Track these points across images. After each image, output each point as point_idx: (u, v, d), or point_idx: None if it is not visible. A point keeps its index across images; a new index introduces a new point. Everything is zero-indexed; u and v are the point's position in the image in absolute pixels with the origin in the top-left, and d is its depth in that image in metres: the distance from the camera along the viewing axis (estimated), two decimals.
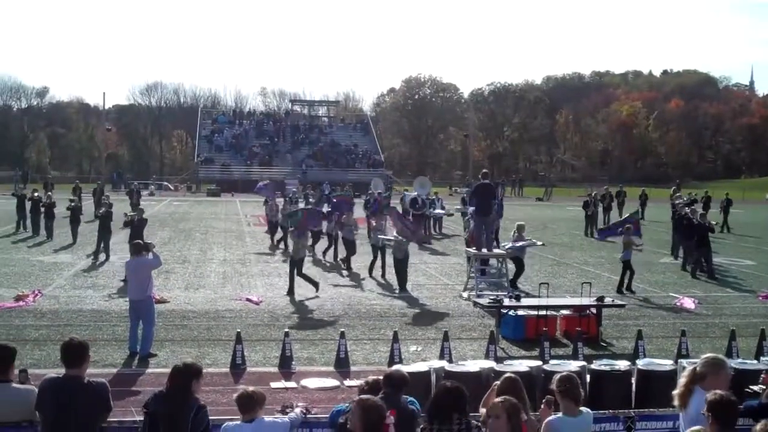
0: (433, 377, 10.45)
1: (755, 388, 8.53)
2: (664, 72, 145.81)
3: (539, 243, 23.54)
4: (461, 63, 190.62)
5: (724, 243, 35.15)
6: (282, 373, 13.32)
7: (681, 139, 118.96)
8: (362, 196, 42.26)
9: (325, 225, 27.17)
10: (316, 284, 20.74)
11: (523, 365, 10.96)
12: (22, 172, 76.63)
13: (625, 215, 29.19)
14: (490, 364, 11.36)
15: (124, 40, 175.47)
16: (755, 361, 11.67)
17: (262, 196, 35.37)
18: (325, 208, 28.97)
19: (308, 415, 7.64)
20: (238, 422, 6.93)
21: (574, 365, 10.92)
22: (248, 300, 19.41)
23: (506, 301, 16.08)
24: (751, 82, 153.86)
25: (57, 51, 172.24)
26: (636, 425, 9.12)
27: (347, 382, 12.61)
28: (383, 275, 23.29)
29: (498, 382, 7.11)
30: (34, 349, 14.34)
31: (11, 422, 7.09)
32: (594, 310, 16.35)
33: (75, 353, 6.90)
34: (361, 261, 24.96)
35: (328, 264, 26.16)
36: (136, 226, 24.16)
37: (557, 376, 7.05)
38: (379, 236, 23.42)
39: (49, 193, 35.85)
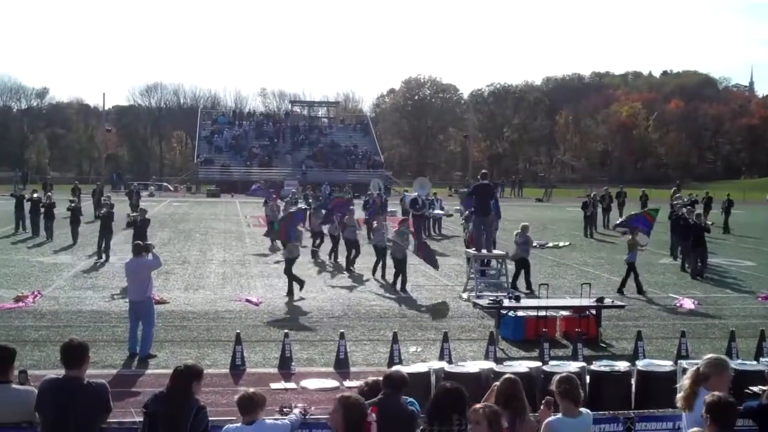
0: (433, 378, 10.46)
1: (755, 389, 8.53)
2: (664, 73, 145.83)
3: (566, 243, 23.56)
4: (461, 64, 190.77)
5: (724, 244, 35.18)
6: (282, 374, 13.33)
7: (681, 139, 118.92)
8: (361, 197, 42.24)
9: (326, 226, 27.23)
10: (301, 283, 20.60)
11: (522, 366, 10.98)
12: (22, 173, 76.59)
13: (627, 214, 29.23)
14: (489, 365, 11.37)
15: (124, 41, 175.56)
16: (755, 362, 11.69)
17: (259, 197, 35.40)
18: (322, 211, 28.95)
19: (307, 416, 7.64)
20: (239, 424, 6.94)
21: (573, 366, 10.93)
22: (248, 301, 19.42)
23: (506, 302, 16.10)
24: (751, 83, 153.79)
25: (57, 52, 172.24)
26: (636, 426, 9.12)
27: (347, 383, 12.60)
28: (383, 276, 23.29)
29: (497, 383, 7.11)
30: (33, 350, 14.35)
31: (11, 423, 7.09)
32: (593, 311, 16.36)
33: (75, 354, 6.91)
34: (362, 262, 24.98)
35: (330, 265, 26.14)
36: (139, 226, 24.18)
37: (557, 377, 7.05)
38: (387, 237, 23.36)
39: (49, 193, 35.86)
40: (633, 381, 11.03)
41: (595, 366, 11.20)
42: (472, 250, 21.14)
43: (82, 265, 25.03)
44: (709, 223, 27.38)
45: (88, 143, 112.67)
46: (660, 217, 25.15)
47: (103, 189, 46.93)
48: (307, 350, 14.96)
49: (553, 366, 11.05)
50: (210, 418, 7.09)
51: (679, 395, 6.86)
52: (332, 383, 12.78)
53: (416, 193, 38.37)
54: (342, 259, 25.87)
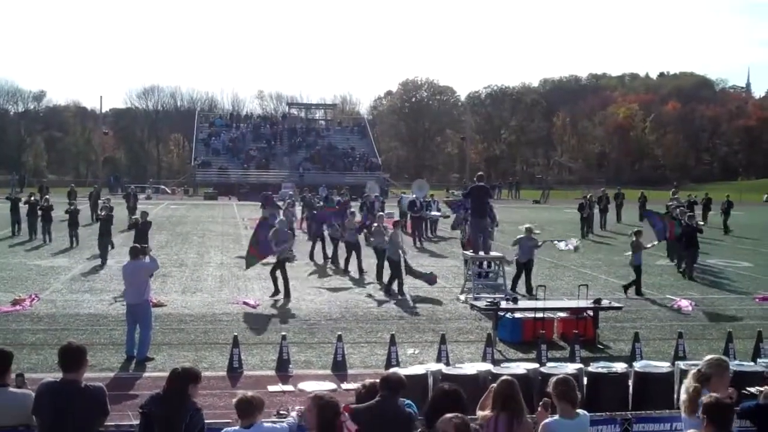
0: (431, 380, 10.46)
1: (752, 389, 8.55)
2: (661, 74, 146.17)
3: (576, 242, 23.54)
4: (458, 66, 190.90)
5: (721, 245, 35.22)
6: (279, 376, 13.33)
7: (678, 141, 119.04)
8: (358, 199, 42.25)
9: (328, 229, 27.23)
10: (277, 291, 20.44)
11: (520, 368, 10.98)
12: (19, 176, 76.61)
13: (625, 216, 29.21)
14: (487, 366, 11.38)
15: (121, 44, 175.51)
16: (752, 363, 11.70)
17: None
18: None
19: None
20: (237, 427, 6.93)
21: (571, 368, 10.93)
22: (245, 303, 19.41)
23: (503, 304, 16.11)
24: (748, 84, 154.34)
25: (54, 55, 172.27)
26: (633, 427, 9.13)
27: (344, 386, 12.60)
28: (379, 278, 23.25)
29: (495, 385, 7.12)
30: (31, 354, 14.34)
31: (8, 426, 7.09)
32: (591, 313, 16.37)
33: (73, 357, 6.91)
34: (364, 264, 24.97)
35: (332, 269, 26.11)
36: (141, 228, 24.16)
37: (553, 379, 7.07)
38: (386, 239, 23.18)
39: (47, 196, 35.84)
40: (630, 382, 11.02)
41: (593, 367, 11.21)
42: (469, 252, 21.15)
43: (79, 268, 25.02)
44: (701, 224, 27.38)
45: (85, 146, 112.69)
46: None
47: (100, 192, 46.86)
48: (304, 352, 14.96)
49: (550, 367, 11.05)
50: (208, 421, 7.09)
51: (683, 398, 6.86)
52: (330, 385, 12.72)
53: (414, 195, 38.42)
54: (342, 262, 25.84)
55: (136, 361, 14.04)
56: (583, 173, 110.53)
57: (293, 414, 7.48)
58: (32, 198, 33.67)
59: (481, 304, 16.74)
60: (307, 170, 77.55)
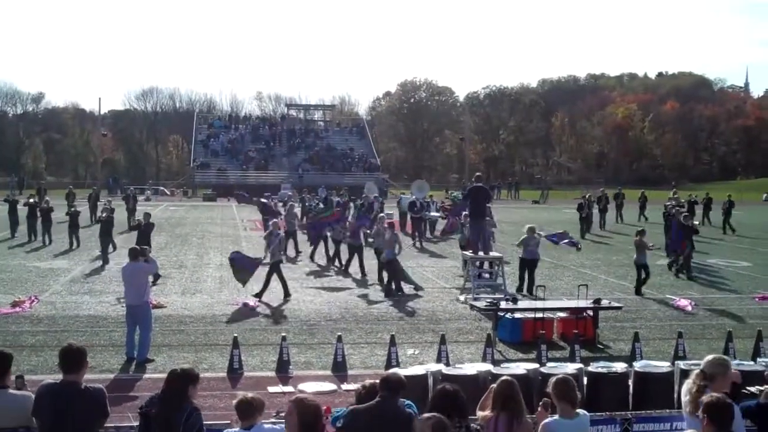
0: (431, 380, 10.46)
1: (752, 389, 8.55)
2: (659, 74, 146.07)
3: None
4: (456, 66, 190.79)
5: (721, 244, 35.21)
6: (279, 377, 13.33)
7: (676, 141, 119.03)
8: (357, 200, 42.22)
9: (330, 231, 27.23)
10: (262, 293, 20.32)
11: (520, 368, 10.98)
12: (18, 178, 76.54)
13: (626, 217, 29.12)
14: (487, 367, 11.38)
15: (120, 46, 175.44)
16: (752, 363, 11.70)
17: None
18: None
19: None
20: (237, 429, 6.93)
21: (571, 368, 10.94)
22: (245, 304, 19.41)
23: (503, 304, 16.12)
24: (746, 84, 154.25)
25: (52, 57, 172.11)
26: (633, 427, 9.15)
27: (345, 386, 12.62)
28: (380, 278, 23.26)
29: (494, 385, 7.12)
30: (30, 355, 14.34)
31: (8, 428, 7.09)
32: (591, 313, 16.38)
33: (73, 359, 6.90)
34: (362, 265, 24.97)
35: (334, 268, 26.10)
36: (144, 230, 24.15)
37: (553, 379, 7.07)
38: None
39: (47, 198, 35.84)
40: (630, 382, 11.03)
41: (593, 367, 11.22)
42: (468, 253, 21.16)
43: (79, 269, 25.01)
44: (696, 223, 27.40)
45: (84, 148, 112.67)
46: (656, 218, 25.51)
47: (99, 194, 46.82)
48: (304, 353, 14.96)
49: (550, 367, 11.06)
50: (208, 423, 7.09)
51: (686, 399, 6.85)
52: (330, 386, 12.77)
53: (414, 196, 38.43)
54: (344, 263, 25.85)
55: (136, 363, 14.04)
56: (582, 173, 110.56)
57: None
58: (31, 200, 33.66)
59: (481, 304, 16.74)
60: (306, 171, 77.57)
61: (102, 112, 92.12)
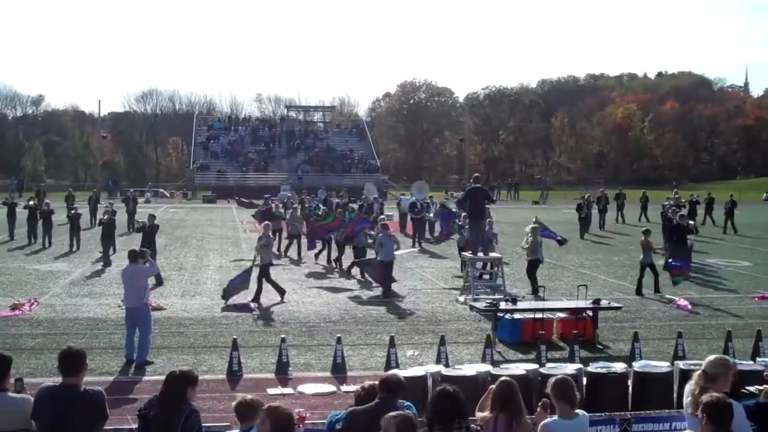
0: (430, 381, 10.46)
1: (752, 389, 8.55)
2: (659, 74, 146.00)
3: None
4: (456, 67, 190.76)
5: (721, 244, 35.23)
6: (279, 379, 13.33)
7: (676, 141, 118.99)
8: (357, 201, 42.23)
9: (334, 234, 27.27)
10: (258, 296, 20.24)
11: (519, 368, 10.99)
12: (18, 180, 76.55)
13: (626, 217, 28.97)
14: (486, 367, 11.39)
15: (120, 48, 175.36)
16: (751, 362, 11.70)
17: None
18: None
19: (304, 422, 7.64)
20: (236, 431, 6.93)
21: (570, 368, 10.94)
22: (244, 306, 19.40)
23: (502, 305, 16.12)
24: (746, 84, 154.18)
25: (52, 59, 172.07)
26: (632, 427, 9.15)
27: (344, 388, 12.63)
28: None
29: (494, 386, 7.12)
30: (30, 358, 14.34)
31: (8, 431, 7.08)
32: (590, 313, 16.38)
33: (73, 362, 6.90)
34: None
35: (338, 271, 26.10)
36: (148, 232, 24.14)
37: (552, 380, 7.07)
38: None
39: (47, 200, 35.85)
40: (630, 382, 11.03)
41: (592, 367, 11.22)
42: (468, 254, 21.15)
43: (79, 272, 25.02)
44: (691, 223, 27.39)
45: (83, 150, 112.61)
46: (656, 218, 25.51)
47: (99, 196, 46.83)
48: (304, 355, 14.96)
49: (550, 368, 11.07)
50: (207, 425, 7.08)
51: (688, 400, 6.85)
52: (329, 388, 12.78)
53: (414, 197, 38.43)
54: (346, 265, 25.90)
55: (136, 365, 14.05)
56: (582, 173, 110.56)
57: None
58: (31, 202, 33.68)
59: (481, 305, 16.74)
60: (306, 172, 77.56)
61: (102, 115, 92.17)
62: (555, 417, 6.88)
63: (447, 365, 12.45)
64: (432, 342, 15.40)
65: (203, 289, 22.34)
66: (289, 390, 12.66)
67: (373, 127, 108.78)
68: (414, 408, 7.10)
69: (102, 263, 26.16)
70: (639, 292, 21.64)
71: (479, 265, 21.32)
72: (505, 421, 6.80)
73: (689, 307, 19.87)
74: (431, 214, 37.13)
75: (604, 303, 16.73)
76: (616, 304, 17.36)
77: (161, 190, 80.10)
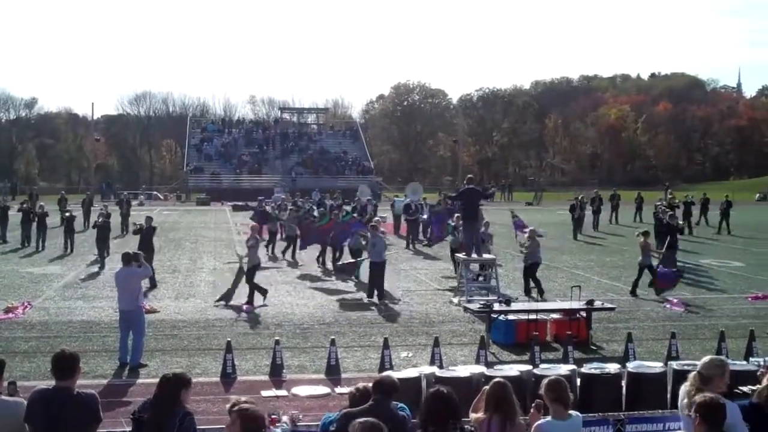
0: (424, 383, 10.46)
1: (745, 388, 8.57)
2: (652, 75, 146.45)
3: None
4: (450, 69, 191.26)
5: (714, 245, 35.30)
6: (273, 381, 13.30)
7: (669, 141, 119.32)
8: (350, 203, 42.24)
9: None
10: (264, 291, 20.34)
11: (513, 370, 10.99)
12: (11, 183, 76.39)
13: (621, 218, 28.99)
14: (480, 369, 11.39)
15: (113, 50, 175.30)
16: (744, 362, 11.72)
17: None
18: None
19: (298, 424, 7.63)
20: None
21: (564, 369, 10.95)
22: (238, 309, 19.39)
23: (496, 306, 16.12)
24: (739, 84, 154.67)
25: (45, 62, 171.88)
26: (626, 428, 9.16)
27: (338, 390, 12.61)
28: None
29: (487, 387, 7.13)
30: (23, 362, 14.30)
31: None
32: (584, 314, 16.39)
33: (66, 365, 6.89)
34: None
35: (335, 272, 26.10)
36: (145, 234, 24.10)
37: (545, 381, 7.07)
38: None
39: (41, 203, 35.80)
40: (623, 383, 11.04)
41: (586, 368, 11.22)
42: (461, 255, 21.14)
43: (72, 275, 24.97)
44: (681, 223, 27.44)
45: (77, 153, 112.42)
46: (648, 218, 25.58)
47: (92, 199, 46.75)
48: (298, 357, 14.95)
49: (543, 369, 11.06)
50: (202, 427, 7.07)
51: (684, 401, 6.86)
52: (323, 390, 12.78)
53: (409, 199, 38.46)
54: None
55: (130, 368, 14.02)
56: (576, 174, 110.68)
57: (285, 419, 7.47)
58: (24, 205, 33.61)
59: (474, 306, 16.75)
60: (300, 175, 77.51)
61: (95, 117, 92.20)
62: (548, 418, 6.88)
63: (441, 367, 12.44)
64: (426, 343, 15.39)
65: (197, 291, 22.31)
66: (283, 392, 12.65)
67: (366, 128, 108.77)
68: (408, 409, 7.11)
69: (97, 266, 26.12)
70: (634, 292, 21.65)
71: (473, 266, 21.32)
72: (498, 422, 6.80)
73: (683, 307, 19.91)
74: (425, 216, 37.15)
75: (597, 304, 16.74)
76: (609, 305, 17.38)
77: (155, 192, 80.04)
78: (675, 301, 20.44)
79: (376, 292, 20.98)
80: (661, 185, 70.57)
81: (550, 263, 27.70)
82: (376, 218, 26.92)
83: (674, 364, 11.29)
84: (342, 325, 17.93)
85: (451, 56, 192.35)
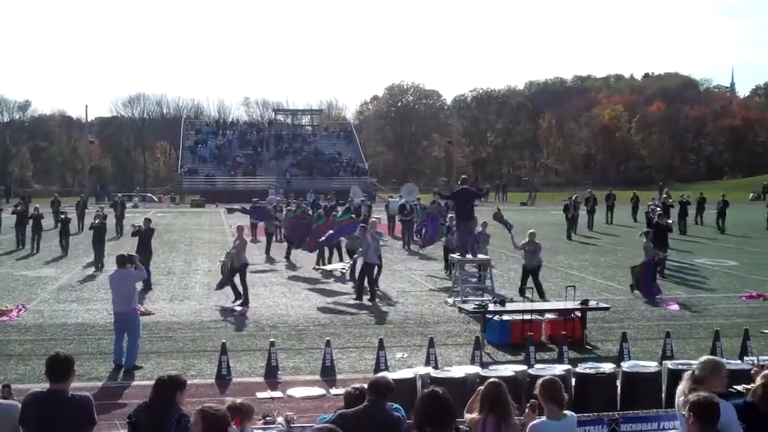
0: (419, 384, 10.46)
1: (739, 387, 8.59)
2: (646, 75, 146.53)
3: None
4: (444, 70, 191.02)
5: (708, 244, 35.36)
6: (268, 382, 13.30)
7: (663, 141, 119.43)
8: (344, 204, 42.18)
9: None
10: (246, 297, 20.27)
11: (508, 370, 11.01)
12: (5, 186, 76.25)
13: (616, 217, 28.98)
14: (475, 369, 11.40)
15: (107, 52, 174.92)
16: (739, 361, 11.75)
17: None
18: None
19: (292, 425, 7.63)
20: None
21: (559, 369, 10.97)
22: (232, 311, 19.38)
23: (491, 307, 16.14)
24: (732, 84, 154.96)
25: (39, 64, 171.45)
26: (621, 427, 9.18)
27: (333, 391, 12.60)
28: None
29: (482, 387, 7.13)
30: (18, 364, 14.28)
31: None
32: (579, 314, 16.41)
33: (61, 367, 6.87)
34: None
35: (337, 274, 26.07)
36: (144, 236, 24.07)
37: (540, 381, 7.08)
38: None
39: (36, 206, 35.78)
40: (618, 383, 11.06)
41: (581, 368, 11.25)
42: (456, 255, 21.14)
43: (66, 277, 24.93)
44: (669, 222, 27.50)
45: (71, 155, 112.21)
46: (642, 218, 25.59)
47: (87, 201, 46.71)
48: (293, 358, 14.94)
49: (538, 369, 11.08)
50: None
51: (680, 400, 6.87)
52: (319, 391, 12.77)
53: (404, 199, 38.48)
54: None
55: (124, 370, 14.01)
56: (570, 175, 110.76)
57: (280, 420, 7.48)
58: (19, 208, 33.58)
59: (469, 307, 16.77)
60: (294, 176, 77.50)
61: (89, 119, 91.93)
62: (543, 418, 6.89)
63: (436, 367, 12.45)
64: (421, 344, 15.40)
65: (192, 293, 22.30)
66: (278, 393, 12.64)
67: (361, 130, 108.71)
68: (403, 410, 7.11)
69: (94, 268, 26.09)
70: (633, 289, 21.78)
71: (468, 266, 21.33)
72: (493, 422, 6.81)
73: (677, 307, 19.94)
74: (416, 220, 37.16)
75: (592, 304, 16.78)
76: (604, 305, 17.41)
77: (149, 194, 79.92)
78: (670, 302, 20.46)
79: (367, 294, 20.95)
80: (655, 185, 70.70)
81: (545, 263, 27.62)
82: (372, 219, 26.88)
83: (669, 364, 11.31)
84: (337, 326, 17.93)
85: (445, 57, 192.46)
